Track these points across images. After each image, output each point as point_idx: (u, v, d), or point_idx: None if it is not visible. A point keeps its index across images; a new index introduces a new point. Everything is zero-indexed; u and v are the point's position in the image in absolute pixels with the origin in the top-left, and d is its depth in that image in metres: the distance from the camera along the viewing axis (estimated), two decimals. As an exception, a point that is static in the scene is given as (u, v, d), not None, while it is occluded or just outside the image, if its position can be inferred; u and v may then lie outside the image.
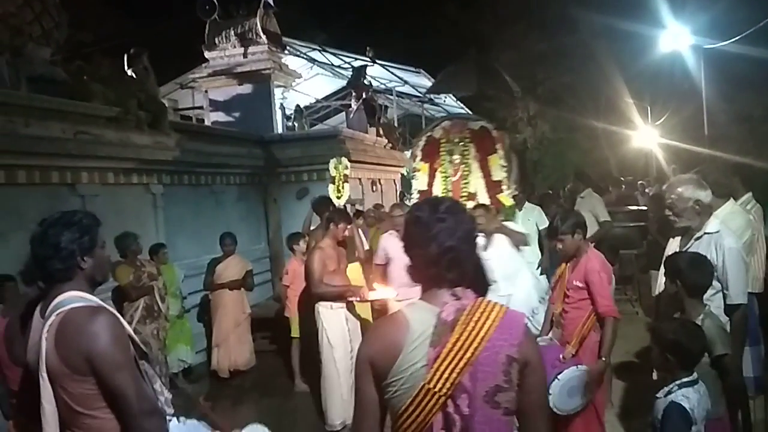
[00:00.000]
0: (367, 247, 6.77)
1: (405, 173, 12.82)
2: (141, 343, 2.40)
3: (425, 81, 14.83)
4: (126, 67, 7.16)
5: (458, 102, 17.17)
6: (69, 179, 5.79)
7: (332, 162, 8.21)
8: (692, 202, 3.35)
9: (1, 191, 5.15)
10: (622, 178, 18.66)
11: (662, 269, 3.52)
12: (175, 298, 6.44)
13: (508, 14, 19.30)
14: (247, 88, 10.61)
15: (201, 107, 12.24)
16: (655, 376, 3.14)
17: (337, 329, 5.14)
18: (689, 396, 2.58)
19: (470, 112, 14.45)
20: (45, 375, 2.16)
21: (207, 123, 10.97)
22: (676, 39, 15.94)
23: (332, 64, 14.91)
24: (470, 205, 6.15)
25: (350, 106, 12.64)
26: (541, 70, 19.22)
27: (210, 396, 6.40)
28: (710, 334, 2.81)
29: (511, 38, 18.99)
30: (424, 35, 22.25)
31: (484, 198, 6.64)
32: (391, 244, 5.58)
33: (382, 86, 15.67)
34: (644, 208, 10.27)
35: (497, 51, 17.89)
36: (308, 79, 14.40)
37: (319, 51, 14.23)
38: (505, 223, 5.86)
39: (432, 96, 15.93)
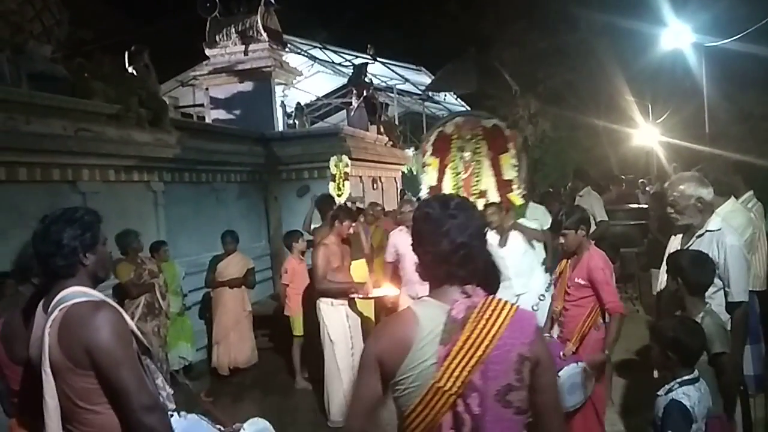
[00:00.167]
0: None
1: (406, 171, 12.86)
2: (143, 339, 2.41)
3: (426, 79, 14.82)
4: (127, 65, 7.16)
5: (458, 100, 17.17)
6: (70, 176, 5.79)
7: (333, 160, 8.21)
8: (694, 200, 3.35)
9: (2, 188, 5.16)
10: (623, 176, 18.65)
11: (663, 267, 3.52)
12: (175, 295, 6.45)
13: (509, 12, 19.28)
14: (247, 86, 10.60)
15: (202, 105, 12.23)
16: (656, 374, 3.15)
17: (338, 326, 5.15)
18: (690, 394, 2.59)
19: (470, 110, 14.43)
20: (48, 370, 2.17)
21: (208, 120, 10.97)
22: (678, 37, 15.91)
23: (333, 62, 14.92)
24: (481, 203, 6.15)
25: (351, 103, 12.63)
26: (542, 68, 19.20)
27: (211, 393, 6.41)
28: (709, 331, 2.82)
29: (512, 36, 18.98)
30: (425, 33, 22.23)
31: (494, 197, 6.62)
32: (402, 241, 5.58)
33: (383, 84, 15.67)
34: (645, 206, 10.26)
35: (498, 49, 17.88)
36: (309, 76, 14.41)
37: (320, 48, 14.23)
38: (518, 221, 5.87)
39: (432, 94, 15.92)
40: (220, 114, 10.76)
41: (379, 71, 14.69)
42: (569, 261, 4.02)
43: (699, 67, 15.66)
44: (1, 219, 5.03)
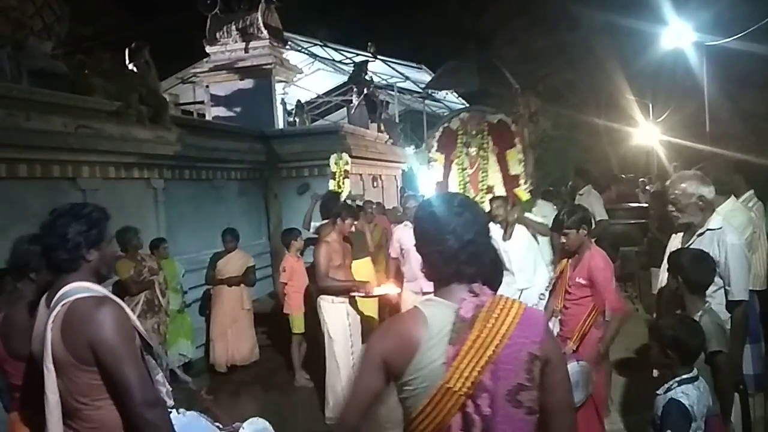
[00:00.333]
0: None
1: (406, 169, 12.84)
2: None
3: (426, 77, 14.81)
4: (127, 62, 7.15)
5: (459, 98, 17.16)
6: (70, 173, 5.79)
7: (333, 157, 8.21)
8: (695, 198, 3.35)
9: (2, 185, 5.15)
10: (623, 176, 18.65)
11: (664, 266, 3.52)
12: (175, 292, 6.44)
13: (509, 10, 19.27)
14: (248, 83, 10.59)
15: (202, 102, 12.23)
16: (655, 373, 3.14)
17: (338, 323, 5.14)
18: (689, 393, 2.59)
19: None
20: (50, 365, 2.17)
21: (208, 118, 10.97)
22: (678, 36, 15.90)
23: (333, 60, 14.92)
24: (487, 198, 6.16)
25: (351, 101, 12.64)
26: (542, 66, 19.19)
27: (210, 390, 6.40)
28: (706, 330, 2.81)
29: (512, 34, 18.97)
30: (426, 31, 22.22)
31: (500, 192, 6.62)
32: (406, 236, 5.59)
33: (384, 82, 15.67)
34: (645, 205, 10.26)
35: (498, 47, 17.87)
36: (309, 74, 14.41)
37: (321, 46, 14.23)
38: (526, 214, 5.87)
39: (433, 91, 15.92)
40: (221, 111, 10.75)
41: (379, 69, 14.69)
42: (570, 260, 4.02)
43: (700, 66, 15.65)
44: (0, 215, 5.02)
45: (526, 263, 5.35)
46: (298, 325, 6.50)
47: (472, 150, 6.85)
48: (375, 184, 11.21)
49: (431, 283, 1.82)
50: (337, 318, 5.16)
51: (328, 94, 16.35)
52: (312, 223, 7.42)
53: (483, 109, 7.30)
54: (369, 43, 13.96)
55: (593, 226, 6.66)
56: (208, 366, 6.95)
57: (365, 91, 12.18)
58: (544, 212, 6.85)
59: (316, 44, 14.23)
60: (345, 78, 14.29)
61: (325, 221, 5.82)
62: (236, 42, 10.55)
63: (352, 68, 13.22)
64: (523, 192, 6.60)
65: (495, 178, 6.76)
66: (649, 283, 7.30)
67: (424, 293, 4.99)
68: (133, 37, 7.59)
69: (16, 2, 5.88)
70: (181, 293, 6.66)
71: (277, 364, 7.06)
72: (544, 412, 1.72)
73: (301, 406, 5.91)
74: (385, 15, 23.63)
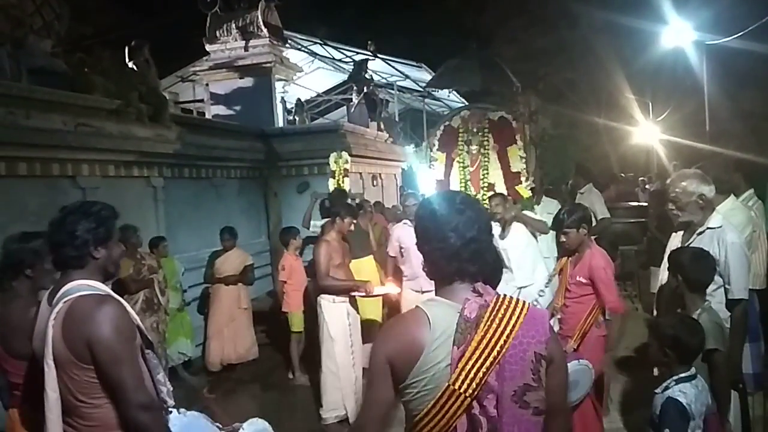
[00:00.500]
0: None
1: (406, 168, 12.84)
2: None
3: (426, 75, 14.80)
4: (127, 60, 7.14)
5: (460, 97, 17.14)
6: (70, 171, 5.78)
7: (333, 156, 8.21)
8: (696, 197, 3.36)
9: (2, 183, 5.14)
10: (622, 174, 18.66)
11: (664, 264, 3.53)
12: (175, 291, 6.44)
13: (509, 9, 19.26)
14: (248, 82, 10.59)
15: (202, 100, 12.23)
16: (655, 371, 3.15)
17: (339, 323, 5.13)
18: (686, 391, 2.59)
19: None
20: (51, 362, 2.17)
21: (208, 116, 10.96)
22: (678, 35, 15.91)
23: (333, 58, 14.91)
24: (488, 195, 6.16)
25: (351, 100, 12.63)
26: (543, 65, 19.18)
27: (209, 388, 6.41)
28: (705, 328, 2.82)
29: (512, 33, 18.95)
30: (426, 30, 22.23)
31: (501, 189, 6.62)
32: (405, 234, 5.58)
33: (384, 80, 15.66)
34: (645, 204, 10.26)
35: (498, 46, 17.85)
36: (309, 72, 14.40)
37: (321, 45, 14.23)
38: (525, 212, 5.85)
39: (434, 90, 15.90)
40: (220, 110, 10.75)
41: (379, 68, 14.68)
42: (570, 258, 4.02)
43: (700, 65, 15.67)
44: (0, 213, 5.02)
45: (525, 261, 5.34)
46: (297, 324, 6.50)
47: (473, 148, 6.85)
48: (375, 182, 11.21)
49: (431, 282, 1.81)
50: (338, 317, 5.15)
51: (327, 92, 16.34)
52: (312, 222, 7.42)
53: (484, 107, 7.30)
54: (369, 42, 13.96)
55: (594, 224, 6.70)
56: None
57: (365, 90, 12.18)
58: (549, 209, 6.83)
59: (316, 43, 14.23)
60: (345, 76, 14.28)
61: (328, 220, 5.82)
62: (236, 40, 10.54)
63: (352, 67, 13.21)
64: (524, 189, 6.60)
65: (496, 176, 6.76)
66: (649, 281, 7.31)
67: (424, 292, 4.98)
68: (133, 36, 7.58)
69: (15, 0, 5.87)
70: (181, 292, 6.65)
71: (276, 363, 7.07)
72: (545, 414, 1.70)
73: (299, 405, 5.91)
74: (385, 14, 23.64)
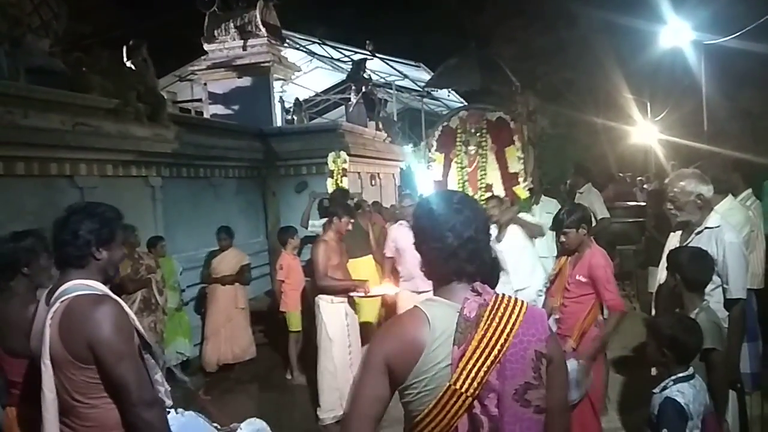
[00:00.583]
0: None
1: (404, 167, 12.84)
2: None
3: (425, 75, 14.80)
4: (125, 59, 7.13)
5: (459, 97, 17.14)
6: (68, 171, 5.77)
7: (331, 156, 8.21)
8: (694, 197, 3.36)
9: (0, 182, 5.14)
10: (620, 174, 18.67)
11: (662, 264, 3.53)
12: (173, 290, 6.43)
13: (508, 9, 19.27)
14: (246, 81, 10.58)
15: (200, 100, 12.23)
16: (653, 371, 3.15)
17: (338, 324, 5.12)
18: (684, 391, 2.59)
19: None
20: (48, 362, 2.17)
21: (206, 116, 10.95)
22: (677, 34, 15.91)
23: (332, 58, 14.90)
24: (486, 196, 6.15)
25: (350, 99, 12.63)
26: (541, 65, 19.19)
27: (207, 388, 6.40)
28: (702, 327, 2.82)
29: (511, 33, 18.96)
30: (424, 29, 22.23)
31: (499, 190, 6.61)
32: (401, 235, 5.58)
33: (382, 80, 15.65)
34: (643, 204, 10.27)
35: (497, 45, 17.86)
36: (308, 72, 14.40)
37: (319, 44, 14.22)
38: (519, 214, 5.83)
39: (431, 90, 15.90)
40: (219, 109, 10.74)
41: (378, 67, 14.67)
42: (569, 258, 4.02)
43: (698, 65, 15.67)
44: (-2, 213, 5.02)
45: (522, 264, 5.32)
46: (294, 323, 6.50)
47: (471, 148, 6.85)
48: (373, 182, 11.21)
49: (427, 282, 1.81)
50: (337, 319, 5.13)
51: (326, 92, 16.33)
52: (310, 221, 7.42)
53: (482, 107, 7.30)
54: (367, 41, 13.94)
55: (594, 224, 6.69)
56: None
57: (363, 90, 12.18)
58: (548, 209, 6.81)
59: (314, 42, 14.22)
60: (343, 76, 14.27)
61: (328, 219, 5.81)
62: (234, 40, 10.52)
63: (351, 66, 13.21)
64: (521, 190, 6.59)
65: (494, 176, 6.75)
66: (647, 281, 7.30)
67: (420, 293, 4.97)
68: (131, 35, 7.58)
69: (13, -1, 5.86)
70: (179, 291, 6.65)
71: (274, 363, 7.06)
72: (546, 412, 1.70)
73: (298, 405, 5.90)
74: (384, 13, 23.65)
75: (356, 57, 13.63)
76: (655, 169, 20.18)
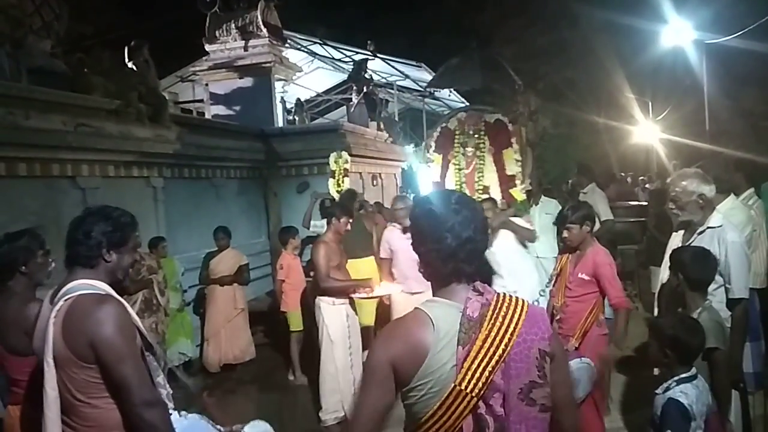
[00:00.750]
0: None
1: (406, 168, 12.84)
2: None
3: (426, 75, 14.80)
4: (126, 60, 7.13)
5: (460, 97, 17.14)
6: (69, 172, 5.77)
7: (332, 156, 8.21)
8: (696, 196, 3.36)
9: (2, 183, 5.14)
10: (622, 174, 18.64)
11: (664, 264, 3.52)
12: (175, 291, 6.44)
13: (509, 8, 19.25)
14: (247, 82, 10.59)
15: (201, 100, 12.22)
16: (656, 371, 3.14)
17: (339, 325, 5.09)
18: (687, 392, 2.58)
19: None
20: (50, 360, 2.18)
21: (207, 116, 10.95)
22: (678, 34, 15.90)
23: (333, 58, 14.91)
24: (482, 198, 6.15)
25: (351, 100, 12.62)
26: (542, 64, 19.17)
27: (208, 389, 6.40)
28: (705, 327, 2.81)
29: (512, 32, 18.94)
30: (425, 29, 22.23)
31: (496, 192, 6.61)
32: (394, 237, 5.57)
33: (383, 80, 15.65)
34: (644, 203, 10.25)
35: (498, 45, 17.84)
36: (309, 72, 14.40)
37: (320, 44, 14.22)
38: (513, 218, 5.82)
39: (433, 90, 15.90)
40: (220, 110, 10.74)
41: (379, 67, 14.68)
42: (570, 257, 4.01)
43: (699, 64, 15.65)
44: (0, 214, 5.01)
45: (514, 266, 5.30)
46: (295, 323, 6.49)
47: (469, 150, 6.85)
48: (374, 182, 11.21)
49: (420, 283, 1.80)
50: (338, 320, 5.11)
51: (327, 92, 16.33)
52: (312, 222, 7.42)
53: (481, 109, 7.30)
54: (368, 42, 13.95)
55: (597, 225, 6.66)
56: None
57: (365, 90, 12.17)
58: (547, 209, 6.79)
59: (315, 42, 14.22)
60: (344, 76, 14.26)
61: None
62: (236, 40, 10.53)
63: (352, 66, 13.20)
64: (518, 192, 6.58)
65: (491, 178, 6.75)
66: (649, 281, 7.29)
67: (414, 294, 4.94)
68: (133, 36, 7.58)
69: (15, 0, 5.86)
70: (181, 292, 6.65)
71: (276, 363, 7.06)
72: (554, 410, 1.70)
73: (299, 405, 5.89)
74: (385, 13, 23.65)
75: (357, 57, 13.63)
76: (657, 169, 20.16)
